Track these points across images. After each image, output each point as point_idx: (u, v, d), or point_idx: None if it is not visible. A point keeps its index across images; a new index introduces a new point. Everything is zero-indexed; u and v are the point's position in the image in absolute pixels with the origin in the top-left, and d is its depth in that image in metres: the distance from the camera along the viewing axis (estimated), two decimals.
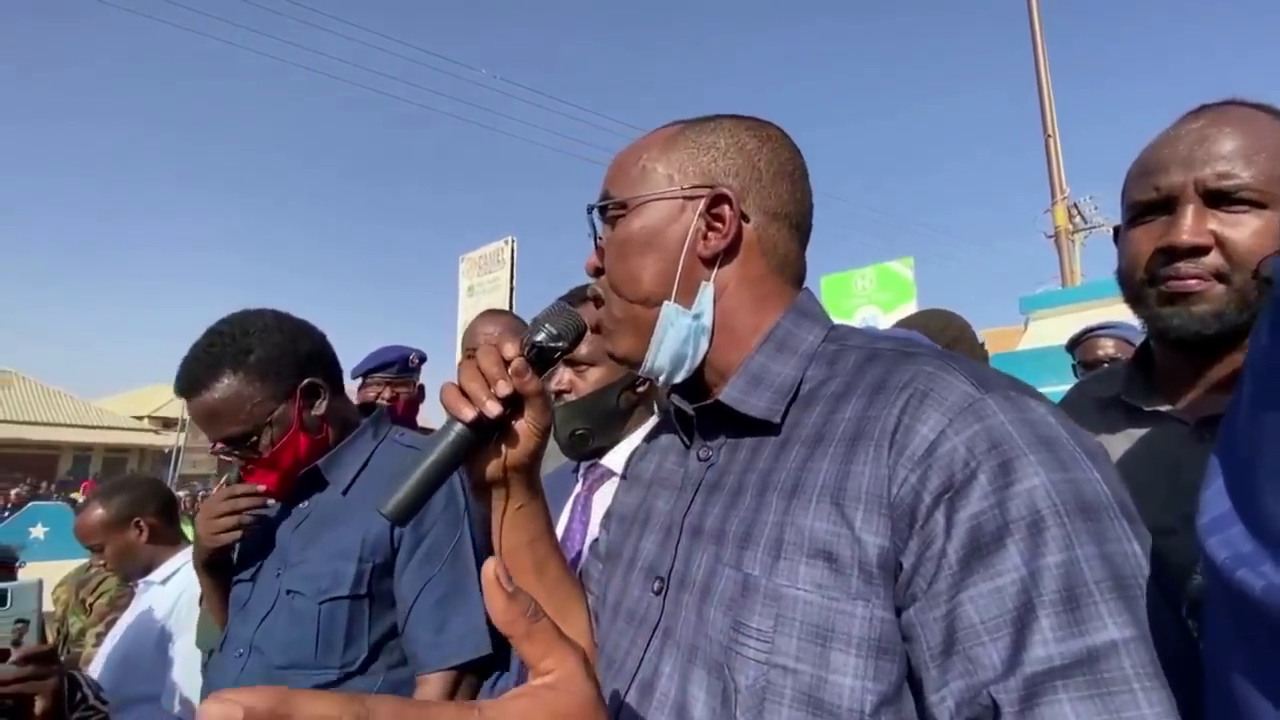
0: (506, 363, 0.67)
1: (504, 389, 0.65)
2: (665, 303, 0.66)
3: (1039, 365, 2.67)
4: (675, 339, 0.66)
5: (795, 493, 0.56)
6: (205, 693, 1.24)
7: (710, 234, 0.66)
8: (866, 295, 8.48)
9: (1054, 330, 5.99)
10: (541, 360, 0.70)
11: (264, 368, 1.22)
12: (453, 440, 0.65)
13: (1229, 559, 0.29)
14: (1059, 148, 8.48)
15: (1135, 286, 0.82)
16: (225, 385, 1.20)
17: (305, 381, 1.27)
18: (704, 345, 0.67)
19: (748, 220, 0.67)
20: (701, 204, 0.66)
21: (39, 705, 1.14)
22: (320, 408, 1.29)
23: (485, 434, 0.68)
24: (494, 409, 0.65)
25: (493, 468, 0.70)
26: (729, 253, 0.66)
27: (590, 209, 0.72)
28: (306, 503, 1.30)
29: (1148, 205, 0.79)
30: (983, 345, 1.99)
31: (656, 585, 0.65)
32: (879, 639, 0.50)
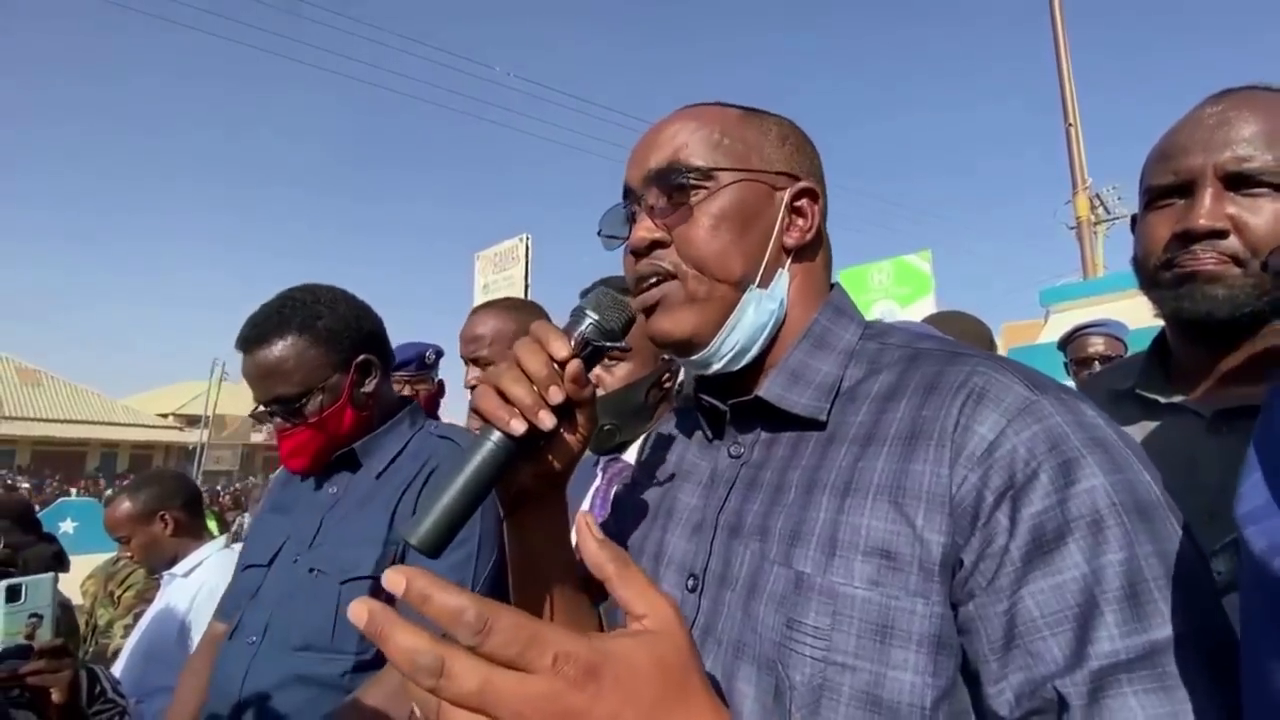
0: (559, 364, 0.58)
1: (557, 396, 0.57)
2: (751, 287, 0.64)
3: (1059, 358, 2.64)
4: (750, 325, 0.64)
5: (849, 491, 0.56)
6: (216, 682, 1.22)
7: (794, 224, 0.67)
8: (884, 289, 8.39)
9: (1073, 322, 5.88)
10: (593, 360, 0.61)
11: (328, 335, 1.26)
12: (492, 454, 0.55)
13: (1267, 548, 0.29)
14: (1080, 136, 8.35)
15: (1150, 271, 0.81)
16: (288, 344, 1.23)
17: (361, 357, 1.30)
18: (768, 336, 0.66)
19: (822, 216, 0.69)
20: (787, 194, 0.66)
21: (55, 698, 1.17)
22: (370, 386, 1.32)
23: (526, 446, 0.57)
24: (548, 421, 0.56)
25: (524, 480, 0.63)
26: (807, 247, 0.67)
27: (671, 171, 0.64)
28: (335, 487, 1.31)
29: (1166, 189, 0.78)
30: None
31: (691, 583, 0.63)
32: (939, 634, 0.50)
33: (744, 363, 0.66)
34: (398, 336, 1.56)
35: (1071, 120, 8.35)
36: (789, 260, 0.66)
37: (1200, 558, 0.48)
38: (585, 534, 0.44)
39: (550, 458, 0.63)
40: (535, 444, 0.59)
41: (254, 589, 1.26)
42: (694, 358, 0.66)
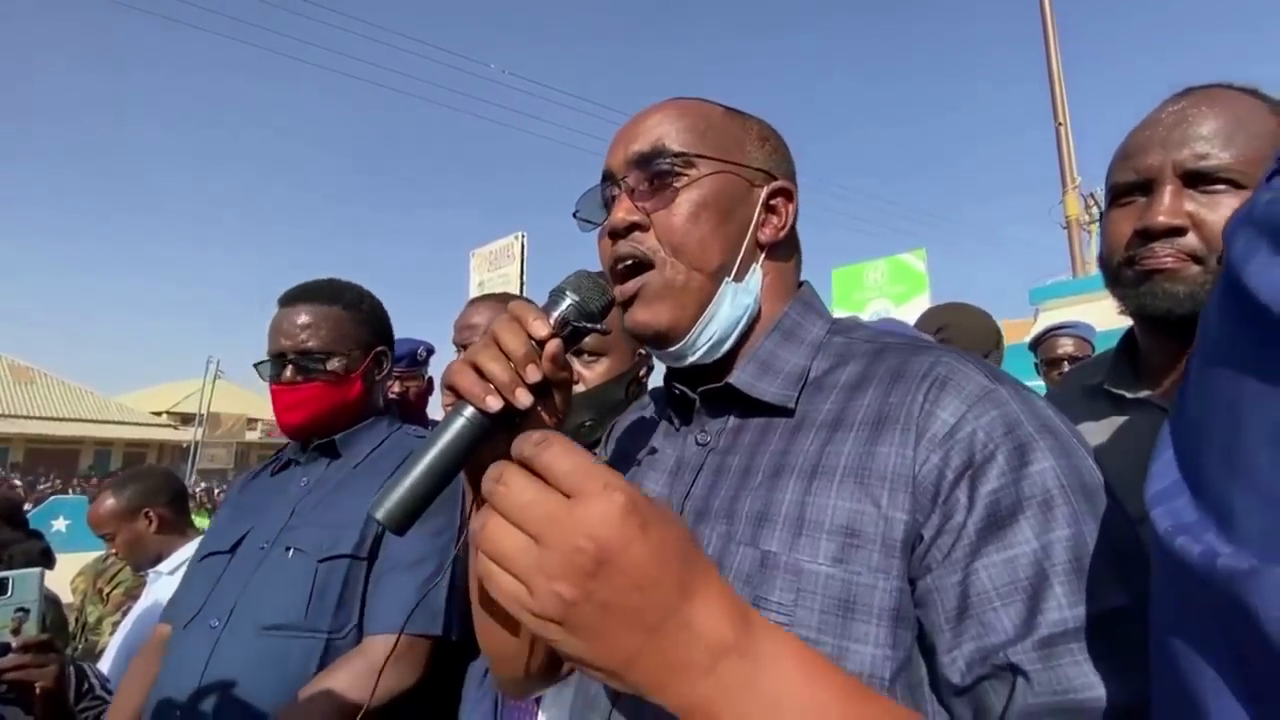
0: (538, 343, 0.58)
1: (535, 375, 0.56)
2: (727, 279, 0.66)
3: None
4: (727, 318, 0.65)
5: (816, 474, 0.58)
6: (163, 679, 1.16)
7: (769, 221, 0.69)
8: (878, 288, 8.40)
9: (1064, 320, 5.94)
10: (572, 341, 0.61)
11: (365, 318, 1.41)
12: (461, 432, 0.55)
13: (1170, 528, 0.29)
14: (1070, 135, 8.41)
15: (1114, 269, 0.82)
16: (332, 309, 1.36)
17: (380, 347, 1.44)
18: (743, 329, 0.67)
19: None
20: (764, 191, 0.68)
21: (40, 692, 1.17)
22: (376, 377, 1.44)
23: (500, 425, 0.57)
24: (525, 399, 0.56)
25: (498, 455, 0.65)
26: (777, 243, 0.69)
27: (649, 157, 0.64)
28: (307, 478, 1.33)
29: (1127, 187, 0.80)
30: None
31: None
32: (898, 609, 0.52)
33: (719, 355, 0.67)
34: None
35: (1061, 120, 8.42)
36: (763, 256, 0.68)
37: (1137, 539, 0.50)
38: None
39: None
40: (509, 423, 0.57)
41: (216, 576, 1.24)
42: (671, 349, 0.67)
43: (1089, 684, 0.44)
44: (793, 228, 0.71)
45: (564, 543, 0.38)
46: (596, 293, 0.61)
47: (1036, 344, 2.61)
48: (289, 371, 1.31)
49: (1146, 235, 0.76)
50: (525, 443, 0.40)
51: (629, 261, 0.65)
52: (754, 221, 0.67)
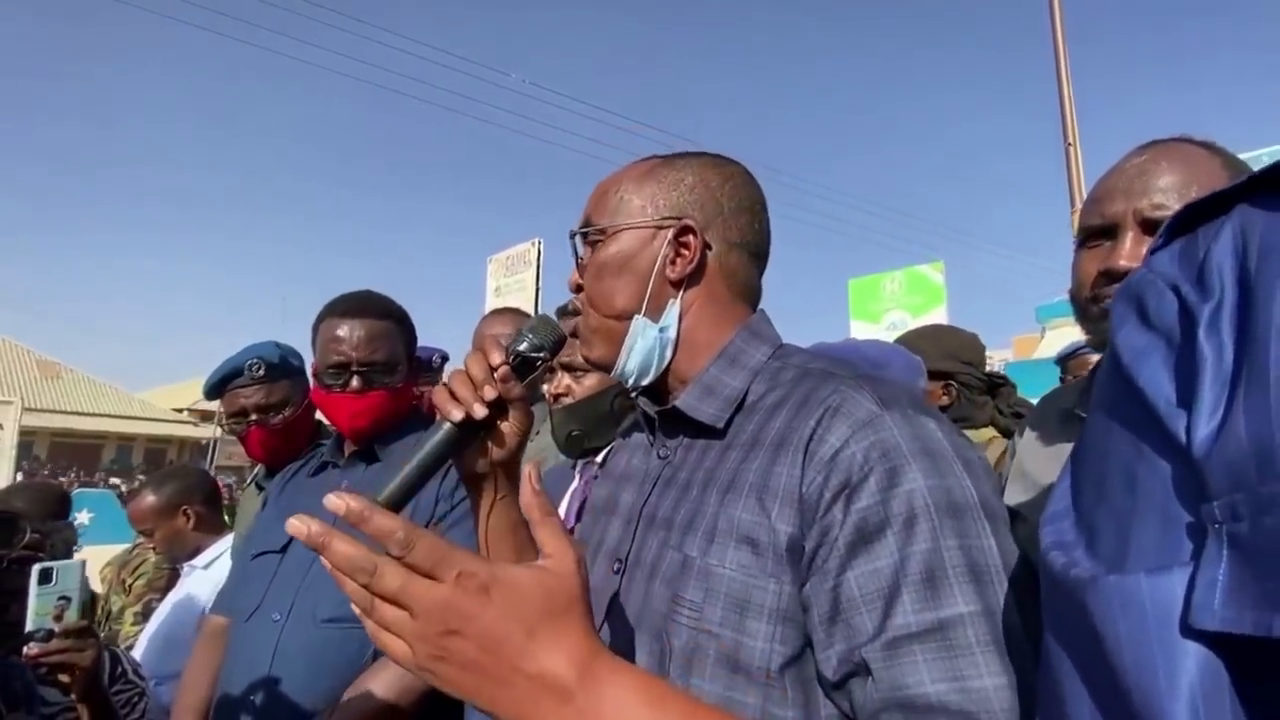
0: (494, 369, 0.73)
1: (490, 394, 0.71)
2: (636, 316, 0.75)
3: (1054, 373, 2.71)
4: (643, 348, 0.75)
5: (730, 488, 0.66)
6: (231, 669, 1.28)
7: (677, 260, 0.75)
8: (895, 299, 8.37)
9: (1069, 338, 5.88)
10: (525, 367, 0.76)
11: (407, 330, 1.51)
12: (441, 438, 0.71)
13: (1051, 544, 0.33)
14: (1079, 156, 8.45)
15: (1082, 305, 0.88)
16: (388, 323, 1.45)
17: (415, 359, 1.54)
18: (668, 355, 0.76)
19: (710, 249, 0.76)
20: (669, 234, 0.75)
21: (77, 675, 1.23)
22: (416, 383, 1.56)
23: (472, 433, 0.74)
24: (480, 411, 0.71)
25: (479, 463, 0.77)
26: (693, 277, 0.76)
27: (572, 234, 0.81)
28: (347, 481, 1.41)
29: (1095, 230, 0.86)
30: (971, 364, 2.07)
31: (616, 566, 0.75)
32: (786, 609, 0.60)
33: (649, 380, 0.77)
34: None
35: (1071, 140, 8.41)
36: (682, 291, 0.76)
37: (1010, 551, 0.57)
38: (526, 483, 0.56)
39: (491, 444, 0.76)
40: (478, 431, 0.74)
41: (270, 573, 1.32)
42: (613, 376, 0.79)
43: (919, 682, 0.52)
44: (702, 260, 0.75)
45: (426, 616, 0.46)
46: (546, 329, 0.77)
47: (1066, 359, 2.68)
48: (356, 382, 1.38)
49: (1110, 276, 0.82)
50: (391, 544, 0.47)
51: (578, 311, 0.82)
52: (658, 263, 0.75)
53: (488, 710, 0.48)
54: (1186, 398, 0.29)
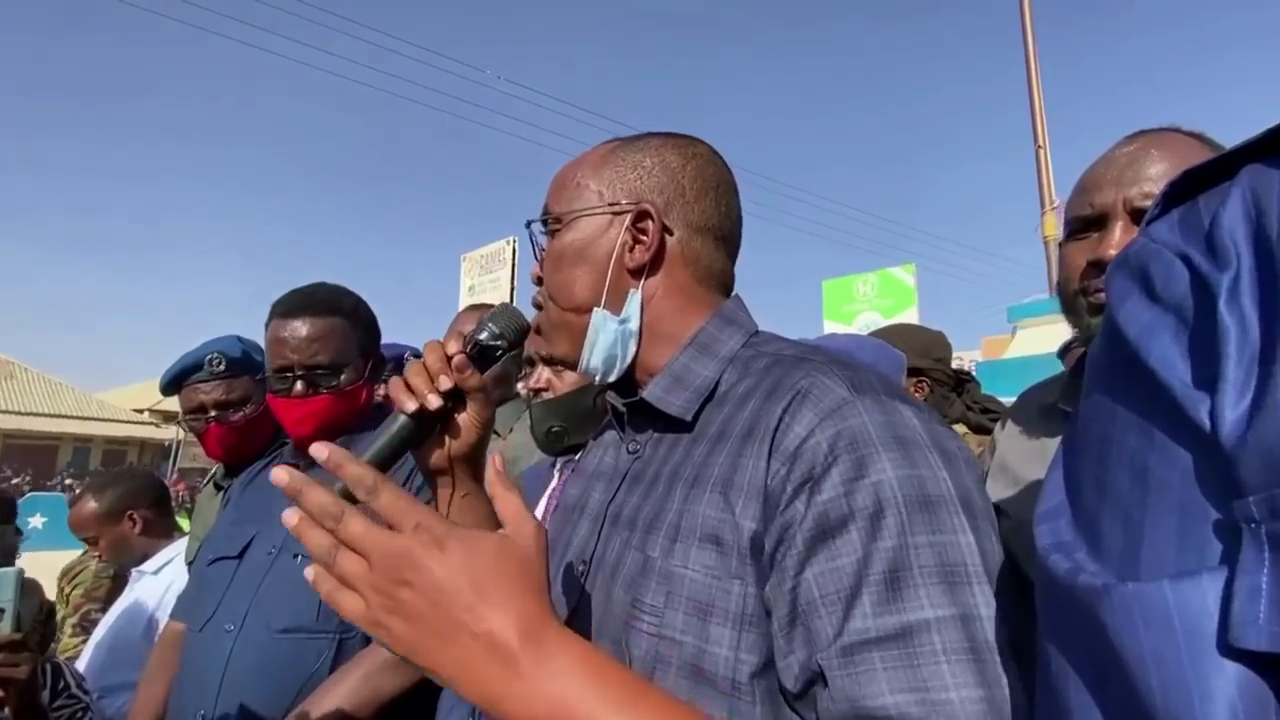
0: (450, 359, 0.70)
1: (445, 383, 0.69)
2: (595, 309, 0.70)
3: (1025, 373, 2.73)
4: (605, 342, 0.70)
5: (695, 483, 0.61)
6: (184, 680, 1.22)
7: (636, 247, 0.70)
8: (868, 301, 8.46)
9: (1040, 338, 5.99)
10: (484, 357, 0.74)
11: (363, 325, 1.41)
12: (396, 430, 0.69)
13: (1049, 545, 0.31)
14: (1049, 158, 8.64)
15: (1069, 296, 0.85)
16: (335, 320, 1.34)
17: (376, 353, 1.44)
18: (633, 348, 0.71)
19: (671, 234, 0.71)
20: (627, 219, 0.70)
21: (10, 690, 1.16)
22: (374, 381, 1.44)
23: (428, 425, 0.71)
24: (434, 402, 0.69)
25: (438, 457, 0.74)
26: (654, 264, 0.71)
27: (529, 223, 0.77)
28: None
29: (1084, 221, 0.84)
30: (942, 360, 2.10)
31: (581, 568, 0.70)
32: (751, 613, 0.54)
33: (615, 375, 0.72)
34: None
35: (1041, 142, 8.61)
36: (643, 279, 0.70)
37: (992, 551, 0.51)
38: (491, 465, 0.57)
39: (448, 438, 0.74)
40: (435, 424, 0.72)
41: (226, 581, 1.26)
42: (579, 372, 0.74)
43: (877, 693, 0.46)
44: (663, 247, 0.70)
45: (381, 565, 0.47)
46: (507, 318, 0.75)
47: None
48: (299, 386, 1.29)
49: (1099, 267, 0.80)
50: (359, 488, 0.49)
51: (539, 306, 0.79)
52: (615, 252, 0.70)
53: (431, 670, 0.47)
54: (1206, 378, 0.25)
